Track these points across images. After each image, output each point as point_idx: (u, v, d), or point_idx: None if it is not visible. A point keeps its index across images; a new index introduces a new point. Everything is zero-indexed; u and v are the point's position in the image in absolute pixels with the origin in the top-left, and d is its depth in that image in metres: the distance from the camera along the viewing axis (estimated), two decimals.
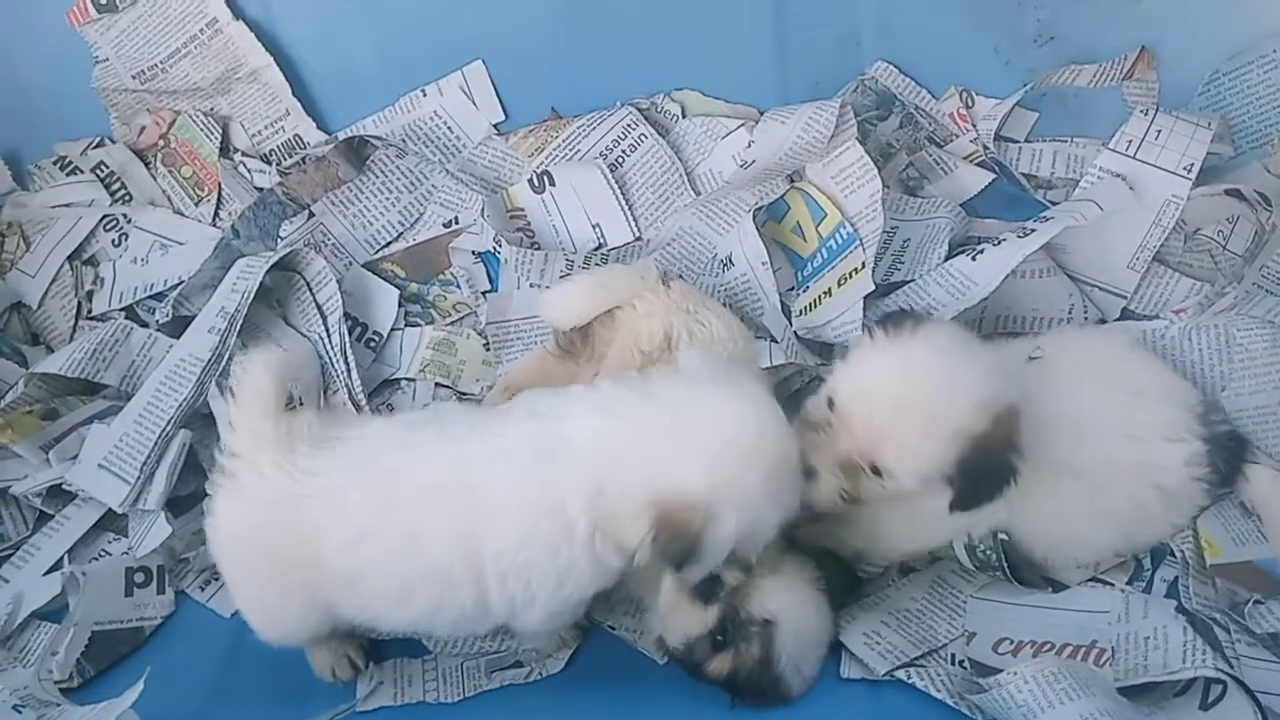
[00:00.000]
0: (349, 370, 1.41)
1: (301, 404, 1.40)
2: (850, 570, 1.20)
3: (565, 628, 1.17)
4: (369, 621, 1.08)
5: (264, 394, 1.05)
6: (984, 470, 1.03)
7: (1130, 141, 1.43)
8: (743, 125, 1.59)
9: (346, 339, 1.44)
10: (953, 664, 1.13)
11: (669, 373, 1.03)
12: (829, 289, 1.40)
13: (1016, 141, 1.61)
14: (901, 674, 1.09)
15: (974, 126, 1.60)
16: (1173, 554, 1.18)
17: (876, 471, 1.05)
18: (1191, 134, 1.41)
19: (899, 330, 1.06)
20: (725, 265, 1.48)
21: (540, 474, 0.98)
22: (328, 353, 1.45)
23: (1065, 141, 1.58)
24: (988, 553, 1.14)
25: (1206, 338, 1.28)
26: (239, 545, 1.07)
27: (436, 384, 1.49)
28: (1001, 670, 1.04)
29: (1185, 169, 1.40)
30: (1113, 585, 1.17)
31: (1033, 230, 1.34)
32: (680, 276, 1.43)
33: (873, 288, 1.36)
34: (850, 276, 1.38)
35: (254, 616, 1.11)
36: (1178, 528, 1.18)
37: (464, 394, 1.48)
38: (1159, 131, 1.42)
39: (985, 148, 1.58)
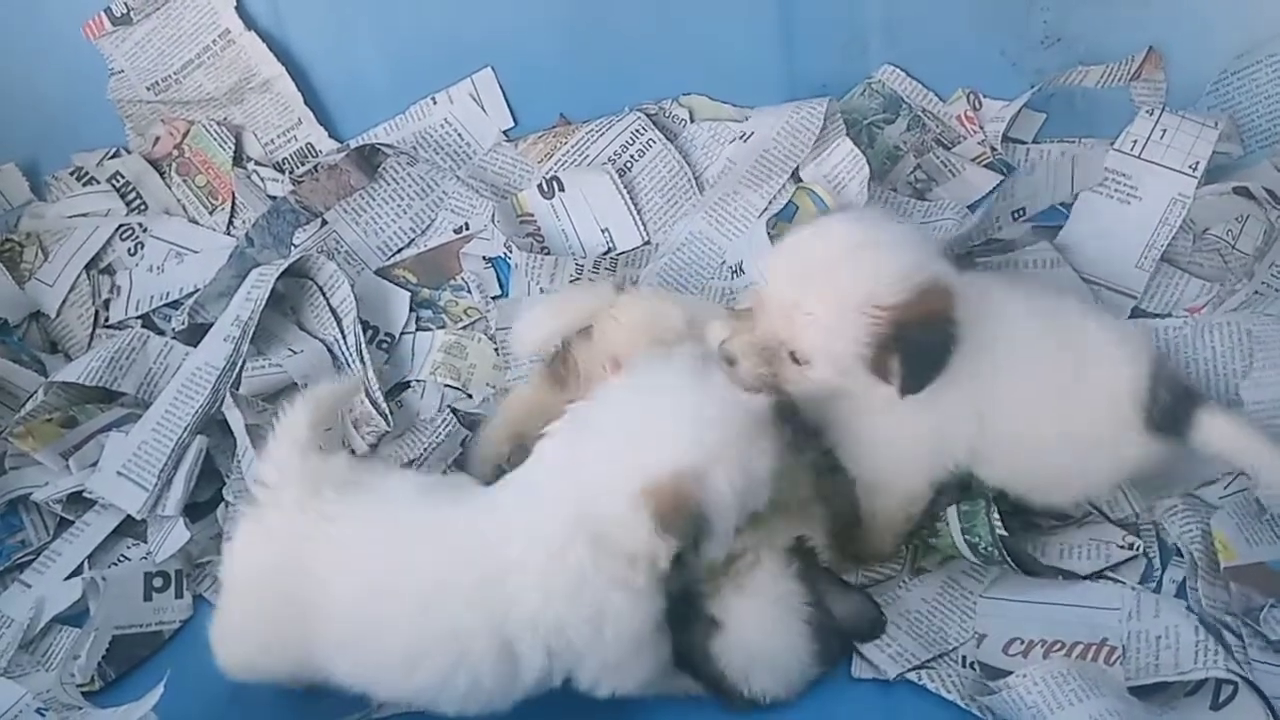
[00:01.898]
0: (366, 371, 1.43)
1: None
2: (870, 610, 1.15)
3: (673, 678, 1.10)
4: (364, 685, 1.04)
5: (299, 429, 1.05)
6: (921, 343, 0.98)
7: (1135, 141, 1.43)
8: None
9: (362, 340, 1.45)
10: (964, 666, 1.13)
11: (612, 382, 1.02)
12: None
13: (1024, 143, 1.61)
14: (912, 676, 1.09)
15: (981, 128, 1.61)
16: (1179, 553, 1.18)
17: (795, 358, 1.01)
18: (1197, 133, 1.41)
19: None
20: (735, 272, 1.48)
21: (532, 519, 0.97)
22: (343, 354, 1.46)
23: (1073, 143, 1.58)
24: (990, 549, 1.15)
25: (1220, 335, 1.28)
26: (248, 575, 1.05)
27: (446, 385, 1.50)
28: (1012, 672, 1.04)
29: (1191, 167, 1.39)
30: (1124, 583, 1.17)
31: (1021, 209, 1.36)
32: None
33: None
34: None
35: (231, 649, 1.08)
36: (1121, 471, 1.16)
37: (472, 398, 1.49)
38: (1164, 131, 1.42)
39: (993, 149, 1.58)
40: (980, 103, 1.62)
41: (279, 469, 1.04)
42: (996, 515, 1.15)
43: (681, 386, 0.98)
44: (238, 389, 1.41)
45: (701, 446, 0.95)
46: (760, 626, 1.07)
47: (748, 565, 1.08)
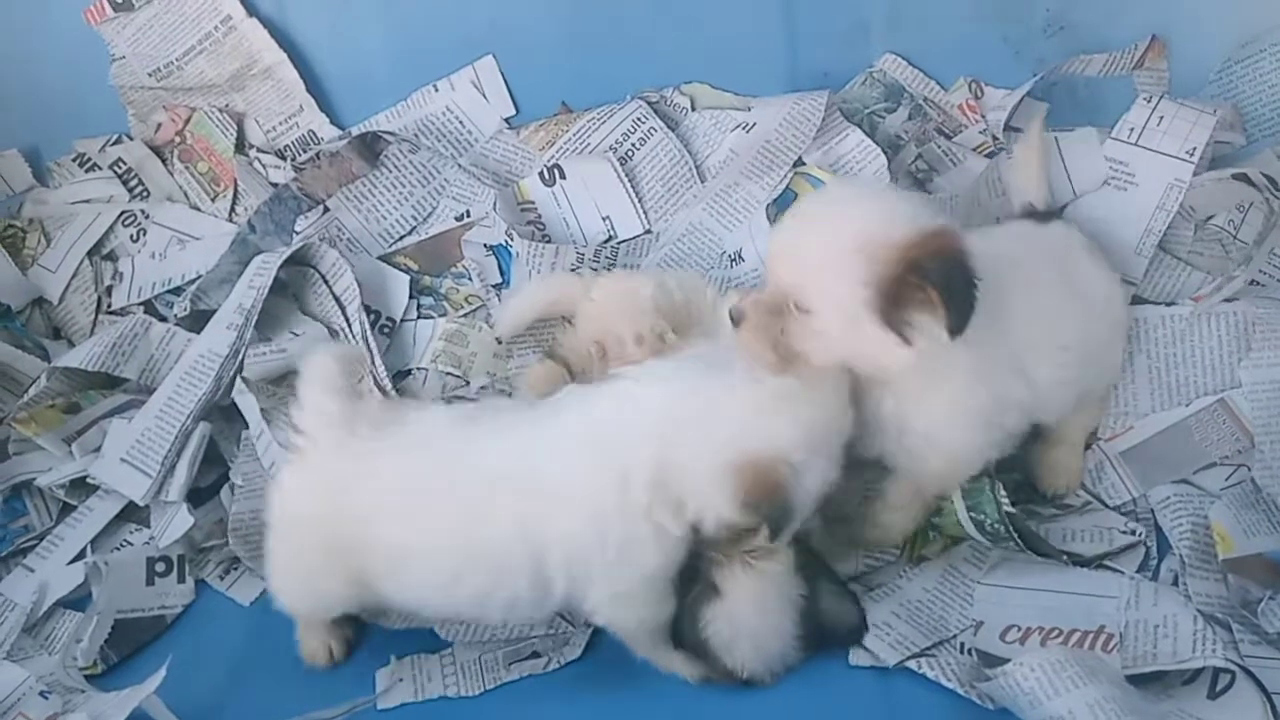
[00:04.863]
0: (373, 356, 1.43)
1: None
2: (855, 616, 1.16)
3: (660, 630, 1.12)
4: (412, 604, 1.10)
5: (330, 375, 1.08)
6: (951, 275, 0.95)
7: (1133, 129, 1.41)
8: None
9: (367, 326, 1.45)
10: (962, 653, 1.13)
11: (718, 344, 1.05)
12: None
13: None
14: (912, 664, 1.09)
15: (983, 117, 1.60)
16: (1172, 548, 1.18)
17: (799, 308, 0.99)
18: (1195, 119, 1.39)
19: None
20: (734, 260, 1.48)
21: (598, 453, 1.00)
22: (349, 342, 1.46)
23: (1070, 130, 1.57)
24: (996, 525, 1.14)
25: (1225, 323, 1.28)
26: (296, 518, 1.10)
27: (447, 373, 1.50)
28: (1010, 660, 1.04)
29: (1188, 153, 1.37)
30: (1122, 571, 1.17)
31: None
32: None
33: None
34: None
35: (289, 590, 1.13)
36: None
37: (470, 385, 1.49)
38: (1162, 118, 1.41)
39: (995, 138, 1.58)
40: (982, 91, 1.62)
41: (316, 413, 1.08)
42: (1002, 491, 1.14)
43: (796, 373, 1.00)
44: (244, 375, 1.41)
45: (808, 438, 0.97)
46: (755, 602, 1.08)
47: (763, 548, 1.08)
